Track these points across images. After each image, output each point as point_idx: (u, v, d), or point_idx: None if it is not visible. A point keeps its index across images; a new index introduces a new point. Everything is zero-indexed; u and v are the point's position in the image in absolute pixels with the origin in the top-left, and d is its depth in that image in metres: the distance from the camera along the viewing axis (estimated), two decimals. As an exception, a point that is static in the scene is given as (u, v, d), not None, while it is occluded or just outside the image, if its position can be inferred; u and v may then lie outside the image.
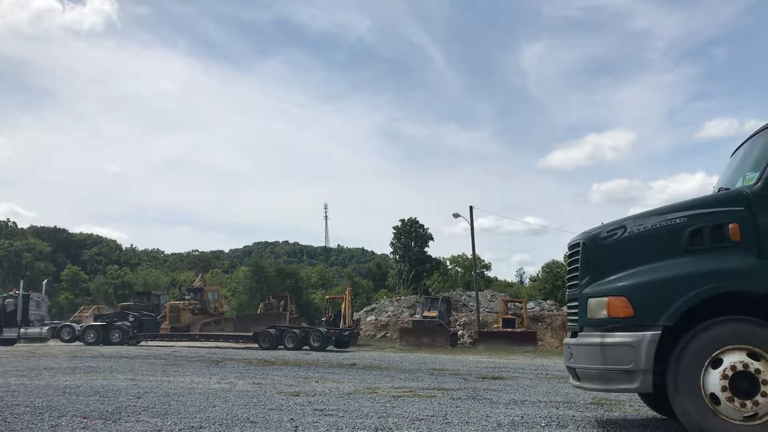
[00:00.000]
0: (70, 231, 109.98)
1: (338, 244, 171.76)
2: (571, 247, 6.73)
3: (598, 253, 6.15)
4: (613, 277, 5.92)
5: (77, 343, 31.06)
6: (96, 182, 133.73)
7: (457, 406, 8.29)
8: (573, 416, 7.63)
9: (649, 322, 5.53)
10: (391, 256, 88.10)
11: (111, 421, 6.67)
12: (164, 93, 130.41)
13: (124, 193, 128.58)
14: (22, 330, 31.58)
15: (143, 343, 31.95)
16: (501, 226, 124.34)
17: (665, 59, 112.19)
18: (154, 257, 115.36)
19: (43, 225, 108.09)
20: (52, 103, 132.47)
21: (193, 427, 6.37)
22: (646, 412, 8.07)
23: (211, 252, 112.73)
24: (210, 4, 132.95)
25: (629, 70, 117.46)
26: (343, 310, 35.69)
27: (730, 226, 5.71)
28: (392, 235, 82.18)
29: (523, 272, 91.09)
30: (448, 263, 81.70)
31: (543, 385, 11.93)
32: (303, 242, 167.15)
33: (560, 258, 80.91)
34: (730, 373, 5.28)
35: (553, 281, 76.86)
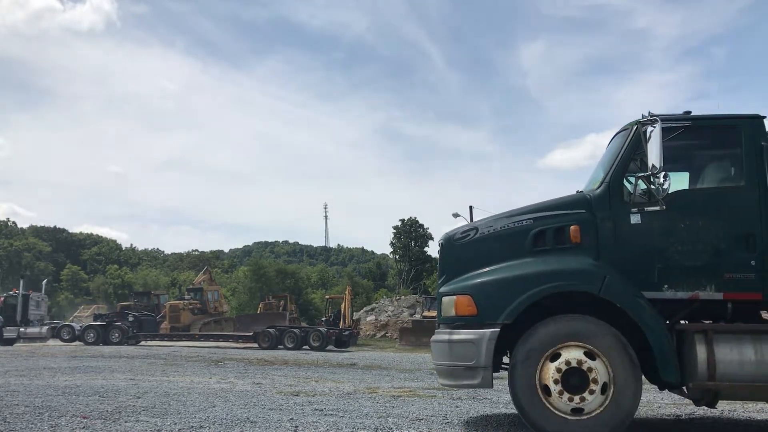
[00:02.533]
0: (70, 231, 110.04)
1: (338, 244, 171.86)
2: (439, 246, 6.91)
3: (453, 254, 6.39)
4: (463, 277, 6.13)
5: (77, 342, 31.05)
6: (96, 182, 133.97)
7: (457, 406, 8.29)
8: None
9: (490, 320, 5.75)
10: (391, 256, 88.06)
11: (111, 421, 6.67)
12: (164, 92, 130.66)
13: (123, 192, 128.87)
14: (21, 330, 31.56)
15: (143, 342, 31.93)
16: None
17: (665, 58, 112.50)
18: (154, 257, 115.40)
19: (42, 225, 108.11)
20: (52, 103, 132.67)
21: (193, 427, 6.38)
22: (646, 412, 8.07)
23: (211, 252, 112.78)
24: (208, 3, 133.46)
25: (629, 69, 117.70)
26: (343, 309, 35.66)
27: (571, 228, 5.95)
28: (392, 235, 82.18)
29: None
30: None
31: (543, 385, 11.92)
32: (303, 242, 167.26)
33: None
34: (563, 367, 5.53)
35: None
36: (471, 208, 39.73)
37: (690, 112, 6.19)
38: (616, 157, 6.10)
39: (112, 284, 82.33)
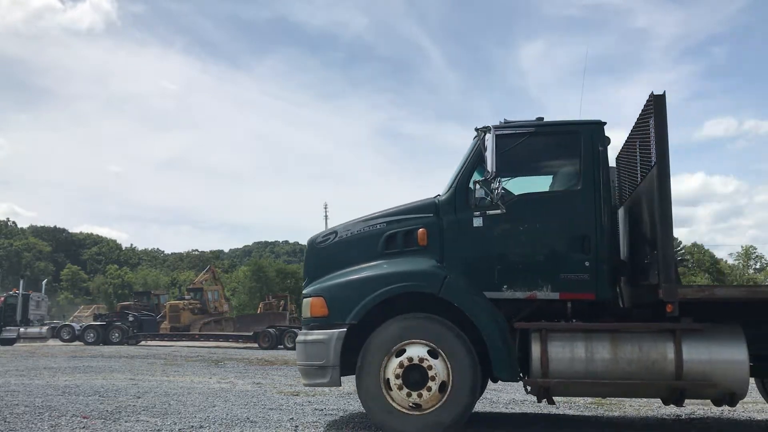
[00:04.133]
0: (70, 230, 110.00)
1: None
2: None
3: (314, 257, 6.68)
4: (321, 279, 6.36)
5: (77, 342, 31.04)
6: (96, 182, 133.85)
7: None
8: (573, 416, 7.64)
9: (339, 320, 5.95)
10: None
11: (111, 421, 6.67)
12: (163, 92, 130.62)
13: (123, 192, 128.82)
14: (21, 330, 31.54)
15: (143, 342, 31.92)
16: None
17: (665, 58, 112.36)
18: (153, 257, 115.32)
19: (42, 224, 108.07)
20: (52, 102, 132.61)
21: (193, 426, 6.37)
22: (646, 411, 8.07)
23: (211, 252, 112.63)
24: (207, 2, 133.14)
25: (629, 69, 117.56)
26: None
27: (419, 231, 6.17)
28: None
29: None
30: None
31: (543, 385, 11.92)
32: (303, 242, 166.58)
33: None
34: (405, 364, 5.73)
35: None
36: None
37: (542, 118, 6.39)
38: (463, 164, 6.33)
39: (112, 284, 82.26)
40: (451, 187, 6.29)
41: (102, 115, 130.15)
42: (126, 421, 6.67)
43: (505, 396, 9.56)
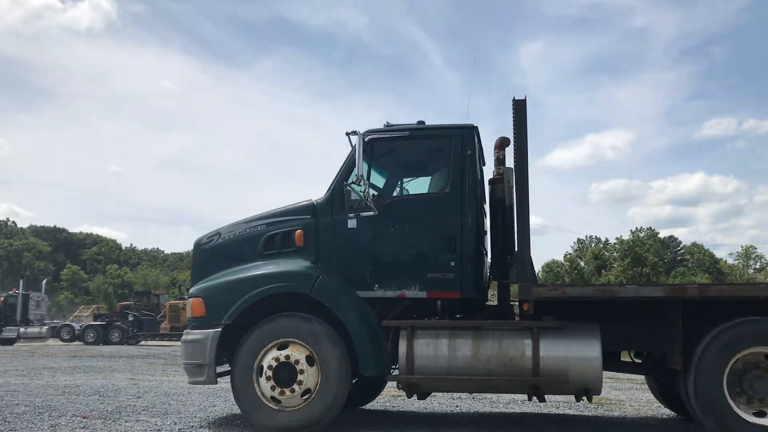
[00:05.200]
0: (70, 230, 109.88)
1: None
2: None
3: (199, 258, 6.84)
4: (204, 280, 6.49)
5: (77, 342, 31.03)
6: (95, 182, 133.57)
7: (457, 406, 8.29)
8: (573, 416, 7.64)
9: (215, 320, 6.12)
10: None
11: (111, 421, 6.67)
12: (163, 92, 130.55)
13: (123, 192, 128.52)
14: (21, 329, 31.50)
15: (143, 342, 31.93)
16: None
17: (665, 57, 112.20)
18: (153, 257, 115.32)
19: (42, 224, 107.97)
20: (51, 102, 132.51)
21: (193, 426, 6.37)
22: (646, 411, 8.07)
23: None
24: (207, 1, 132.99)
25: (629, 68, 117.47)
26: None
27: (296, 232, 6.36)
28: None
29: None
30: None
31: (543, 385, 11.92)
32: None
33: (560, 257, 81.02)
34: (282, 359, 5.94)
35: (553, 281, 76.71)
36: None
37: (423, 122, 6.56)
38: (341, 167, 6.46)
39: (112, 284, 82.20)
40: (329, 189, 6.44)
41: (102, 115, 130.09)
42: (126, 421, 6.67)
43: (505, 396, 9.56)
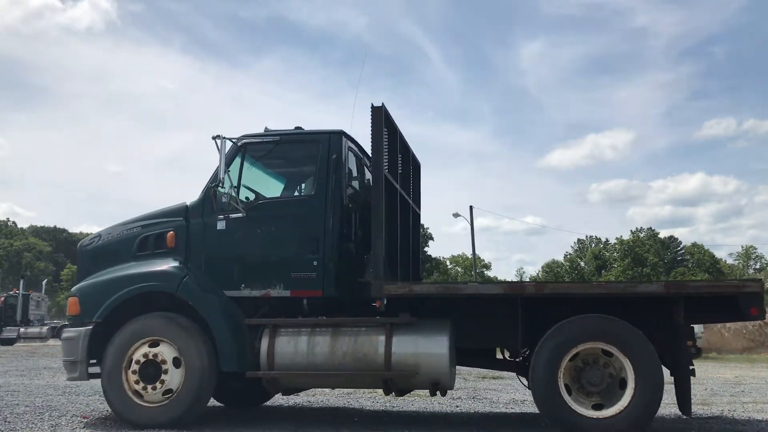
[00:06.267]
0: (70, 230, 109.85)
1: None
2: None
3: (82, 259, 7.10)
4: (83, 280, 6.75)
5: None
6: (95, 181, 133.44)
7: (458, 406, 8.29)
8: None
9: (88, 318, 6.38)
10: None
11: (111, 421, 6.67)
12: (162, 92, 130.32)
13: (123, 192, 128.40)
14: (22, 330, 31.52)
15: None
16: (500, 225, 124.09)
17: (665, 57, 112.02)
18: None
19: (42, 224, 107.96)
20: (51, 102, 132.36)
21: (191, 426, 6.36)
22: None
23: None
24: (206, 1, 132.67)
25: (628, 68, 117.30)
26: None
27: (168, 234, 6.59)
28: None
29: (523, 272, 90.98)
30: (448, 263, 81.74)
31: (543, 385, 11.91)
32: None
33: (560, 258, 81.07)
34: (150, 356, 6.14)
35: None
36: (471, 208, 39.80)
37: (301, 127, 6.81)
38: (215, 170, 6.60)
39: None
40: (202, 191, 6.61)
41: (101, 115, 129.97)
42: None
43: (505, 396, 9.57)
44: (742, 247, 77.11)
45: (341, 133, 6.61)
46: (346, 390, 9.33)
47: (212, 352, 6.12)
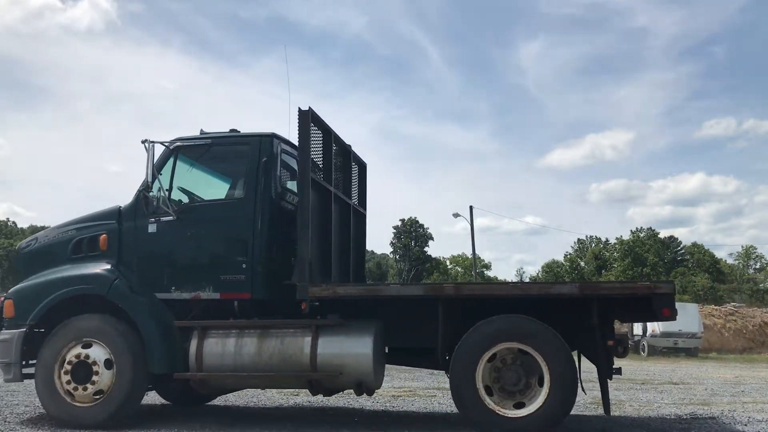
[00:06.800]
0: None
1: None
2: None
3: (20, 262, 7.21)
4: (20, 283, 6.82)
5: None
6: (95, 182, 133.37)
7: (457, 406, 8.28)
8: (572, 416, 7.63)
9: (22, 321, 6.39)
10: (391, 256, 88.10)
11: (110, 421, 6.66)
12: (162, 92, 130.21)
13: (123, 192, 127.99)
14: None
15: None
16: (500, 225, 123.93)
17: (665, 57, 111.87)
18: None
19: (42, 225, 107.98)
20: (50, 102, 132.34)
21: (193, 427, 6.37)
22: (647, 411, 8.08)
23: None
24: (205, 1, 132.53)
25: (628, 68, 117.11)
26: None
27: (101, 237, 6.64)
28: (392, 235, 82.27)
29: (523, 272, 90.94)
30: (448, 263, 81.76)
31: (543, 385, 11.91)
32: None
33: (560, 258, 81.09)
34: (82, 357, 6.16)
35: (553, 281, 76.84)
36: (471, 208, 39.82)
37: (237, 130, 6.87)
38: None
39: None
40: (135, 194, 6.65)
41: (101, 115, 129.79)
42: (126, 421, 6.65)
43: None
44: (742, 247, 77.16)
45: (272, 136, 6.65)
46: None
47: (143, 354, 6.17)
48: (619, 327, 35.82)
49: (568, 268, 77.01)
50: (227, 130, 6.89)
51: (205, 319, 6.33)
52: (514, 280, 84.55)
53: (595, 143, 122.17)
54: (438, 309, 6.05)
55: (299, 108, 6.28)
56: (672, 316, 5.92)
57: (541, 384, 5.77)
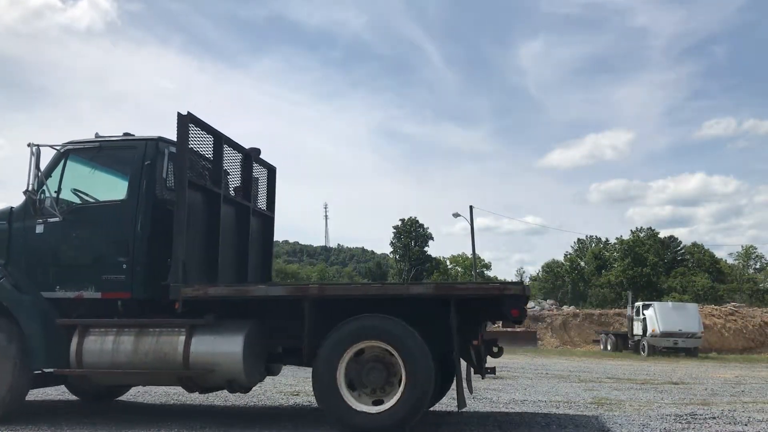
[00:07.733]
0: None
1: (338, 244, 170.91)
2: None
3: None
4: None
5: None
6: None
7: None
8: (573, 416, 7.64)
9: None
10: (391, 256, 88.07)
11: (110, 421, 6.67)
12: (162, 91, 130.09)
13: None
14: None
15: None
16: (500, 225, 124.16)
17: (665, 57, 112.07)
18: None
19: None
20: (50, 101, 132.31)
21: (193, 427, 6.37)
22: (647, 411, 8.08)
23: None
24: (205, 1, 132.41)
25: (628, 68, 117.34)
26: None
27: None
28: (392, 235, 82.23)
29: (523, 272, 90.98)
30: (448, 263, 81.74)
31: (543, 385, 11.94)
32: (303, 242, 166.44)
33: (560, 257, 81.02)
34: None
35: (553, 281, 76.78)
36: (471, 208, 39.83)
37: (130, 133, 7.00)
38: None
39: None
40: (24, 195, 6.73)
41: (101, 114, 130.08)
42: (126, 422, 6.67)
43: (505, 396, 9.57)
44: (742, 246, 77.06)
45: (158, 140, 6.79)
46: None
47: (21, 370, 6.30)
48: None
49: (568, 268, 76.98)
50: (121, 134, 7.02)
51: (92, 317, 6.50)
52: (514, 279, 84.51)
53: (595, 143, 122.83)
54: (303, 309, 6.18)
55: (178, 112, 6.43)
56: (520, 317, 6.17)
57: (399, 383, 5.91)
